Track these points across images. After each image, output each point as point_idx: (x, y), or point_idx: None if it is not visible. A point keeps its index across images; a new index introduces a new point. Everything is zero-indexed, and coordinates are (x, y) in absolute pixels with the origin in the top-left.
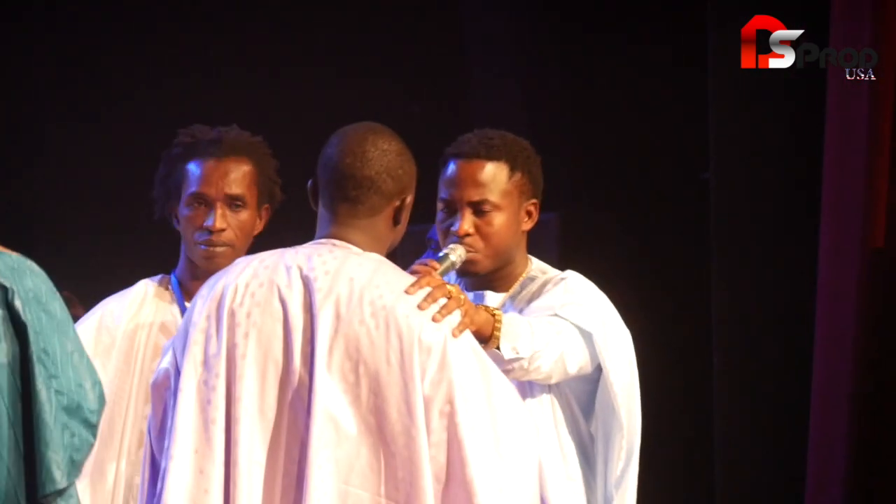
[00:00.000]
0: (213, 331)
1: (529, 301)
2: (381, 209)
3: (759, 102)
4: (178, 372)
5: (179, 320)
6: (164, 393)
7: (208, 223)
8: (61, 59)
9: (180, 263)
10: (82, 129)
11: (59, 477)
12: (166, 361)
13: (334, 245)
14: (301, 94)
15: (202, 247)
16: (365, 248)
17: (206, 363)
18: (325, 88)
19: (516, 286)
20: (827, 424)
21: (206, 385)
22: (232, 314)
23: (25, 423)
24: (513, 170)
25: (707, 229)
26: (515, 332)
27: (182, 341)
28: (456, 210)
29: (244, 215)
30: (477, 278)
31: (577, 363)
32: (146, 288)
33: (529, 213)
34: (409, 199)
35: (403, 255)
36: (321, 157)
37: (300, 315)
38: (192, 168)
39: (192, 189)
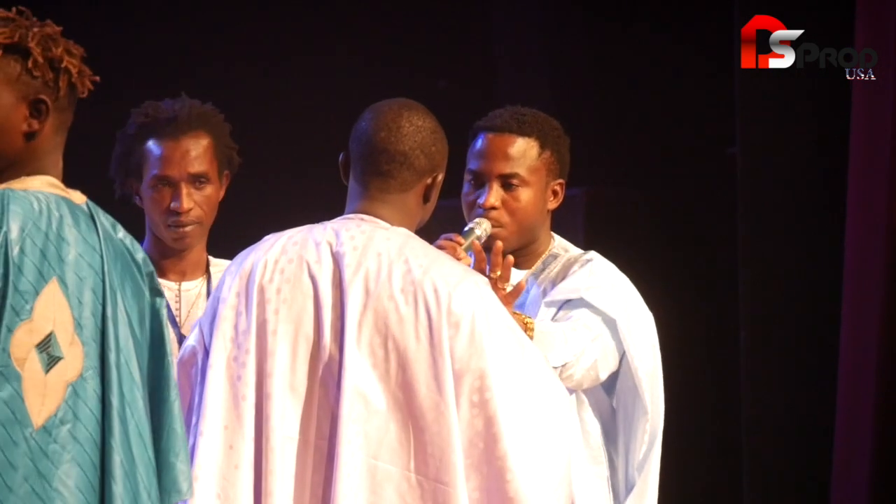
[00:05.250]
0: (242, 307)
1: (553, 280)
2: (412, 185)
3: (785, 77)
4: (206, 349)
5: None
6: (190, 370)
7: (175, 205)
8: None
9: (146, 239)
10: None
11: (185, 488)
12: (193, 339)
13: (362, 220)
14: (328, 70)
15: (172, 228)
16: (393, 223)
17: (236, 339)
18: (352, 64)
19: (538, 263)
20: (854, 403)
21: (235, 361)
22: (262, 290)
23: (158, 431)
24: (543, 147)
25: (733, 204)
26: (548, 341)
27: (210, 318)
28: (484, 182)
29: (209, 190)
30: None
31: (609, 369)
32: None
33: (555, 193)
34: (440, 178)
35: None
36: (354, 130)
37: (329, 291)
38: (152, 149)
39: (154, 172)
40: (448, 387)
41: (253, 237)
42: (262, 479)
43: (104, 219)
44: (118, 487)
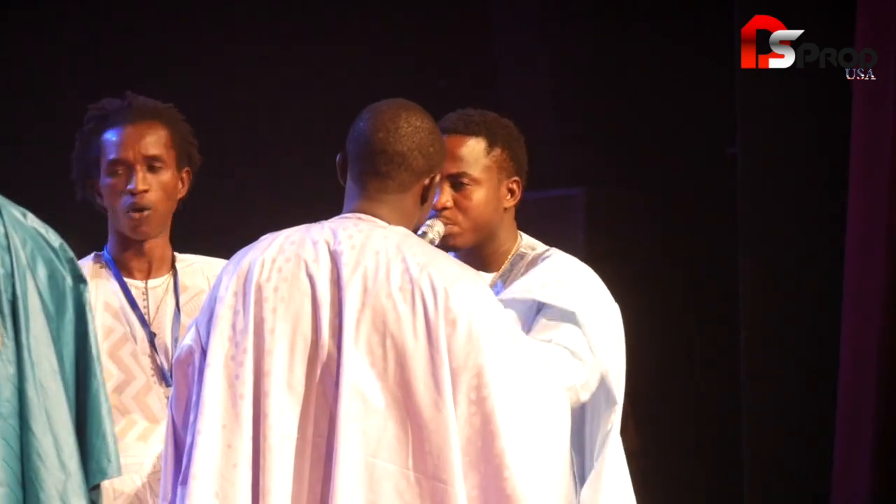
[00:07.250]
0: (240, 306)
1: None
2: (410, 186)
3: (785, 77)
4: (203, 348)
5: (121, 296)
6: (186, 369)
7: (130, 186)
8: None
9: (110, 239)
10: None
11: (107, 466)
12: (189, 338)
13: (360, 219)
14: (328, 70)
15: (129, 213)
16: (391, 223)
17: (234, 338)
18: (352, 64)
19: (506, 265)
20: (854, 403)
21: (233, 360)
22: (259, 289)
23: (79, 414)
24: (491, 145)
25: (733, 204)
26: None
27: (207, 317)
28: None
29: (165, 176)
30: (462, 255)
31: (590, 390)
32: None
33: (511, 191)
34: (438, 178)
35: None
36: (351, 131)
37: (328, 289)
38: (108, 138)
39: (111, 157)
40: (446, 385)
41: (250, 237)
42: (260, 478)
43: (12, 207)
44: (34, 465)
